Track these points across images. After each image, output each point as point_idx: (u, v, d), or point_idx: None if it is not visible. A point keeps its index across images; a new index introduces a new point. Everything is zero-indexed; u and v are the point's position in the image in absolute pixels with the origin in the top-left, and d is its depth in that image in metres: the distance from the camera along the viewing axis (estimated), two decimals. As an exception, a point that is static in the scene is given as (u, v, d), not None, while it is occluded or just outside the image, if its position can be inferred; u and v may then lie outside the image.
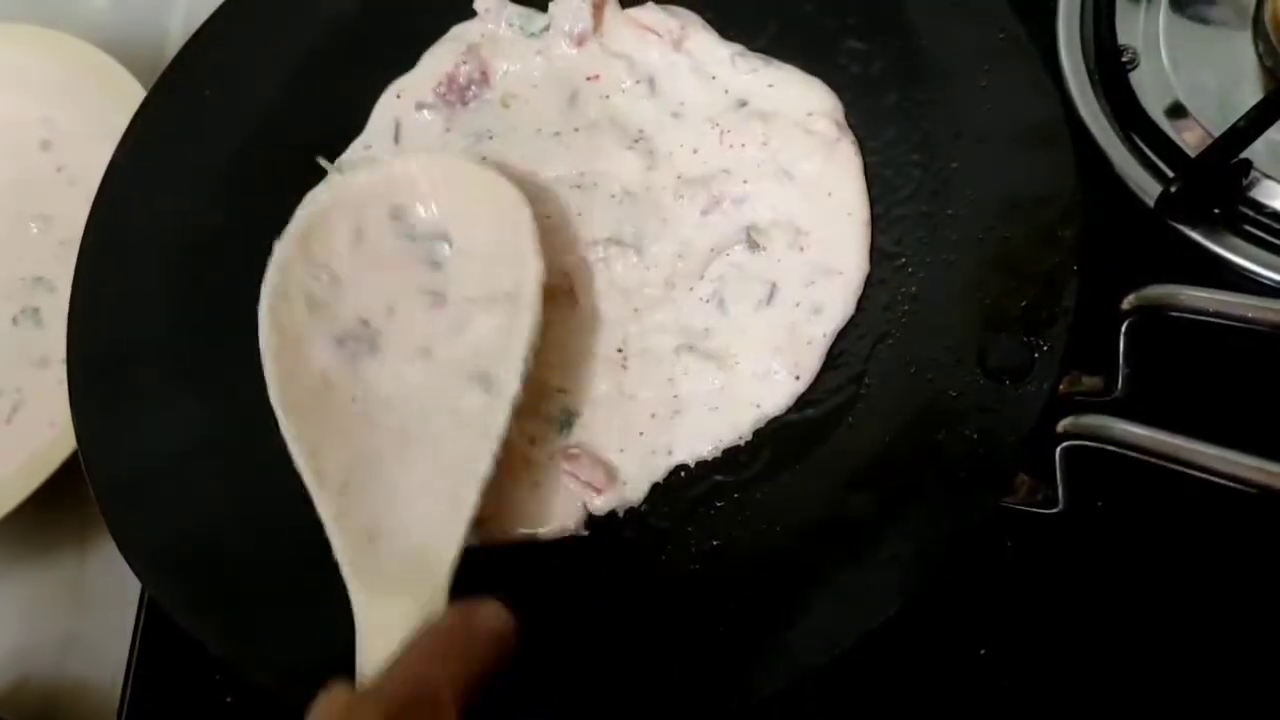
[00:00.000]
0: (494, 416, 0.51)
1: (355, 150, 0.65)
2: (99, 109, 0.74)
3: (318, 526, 0.55)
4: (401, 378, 0.54)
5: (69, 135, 0.79)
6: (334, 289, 0.56)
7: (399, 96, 0.66)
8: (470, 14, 0.67)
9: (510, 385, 0.51)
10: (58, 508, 0.65)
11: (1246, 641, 0.52)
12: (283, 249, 0.56)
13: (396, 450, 0.52)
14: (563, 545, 0.54)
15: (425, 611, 0.45)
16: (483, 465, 0.49)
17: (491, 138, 0.64)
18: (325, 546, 0.51)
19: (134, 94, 0.71)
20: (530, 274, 0.53)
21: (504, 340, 0.53)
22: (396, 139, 0.65)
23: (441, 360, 0.54)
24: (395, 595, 0.46)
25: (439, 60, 0.66)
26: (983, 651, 0.53)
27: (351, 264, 0.57)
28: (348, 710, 0.40)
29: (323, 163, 0.64)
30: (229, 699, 0.57)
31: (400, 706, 0.39)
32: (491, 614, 0.44)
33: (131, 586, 0.60)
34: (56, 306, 0.64)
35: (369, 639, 0.45)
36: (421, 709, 0.39)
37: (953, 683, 0.54)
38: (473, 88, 0.65)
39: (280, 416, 0.52)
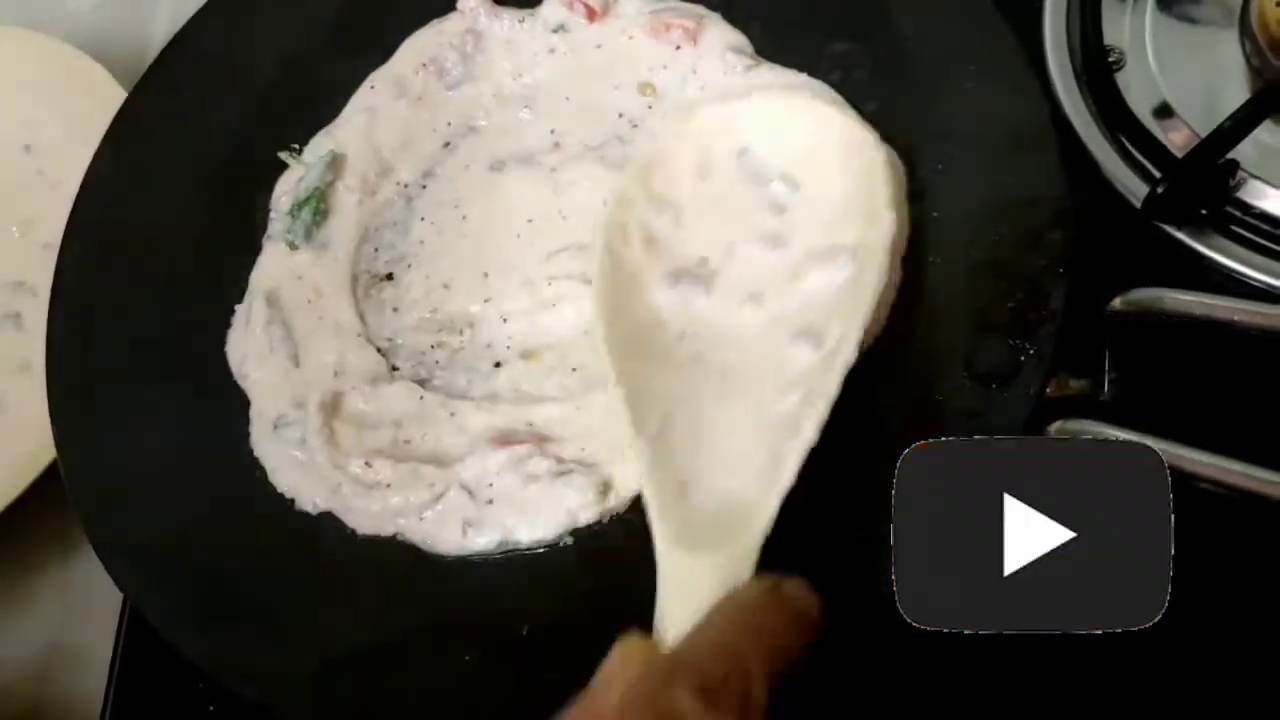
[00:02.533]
0: (825, 380, 0.47)
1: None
2: (81, 112, 0.73)
3: (302, 535, 0.55)
4: (732, 320, 0.52)
5: (50, 138, 0.78)
6: (675, 225, 0.55)
7: (373, 87, 0.66)
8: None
9: (844, 348, 0.47)
10: (40, 514, 0.65)
11: (1233, 645, 0.52)
12: (625, 183, 0.55)
13: (718, 396, 0.49)
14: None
15: (732, 576, 0.42)
16: (808, 430, 0.46)
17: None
18: (309, 555, 0.51)
19: (116, 97, 0.70)
20: (881, 230, 0.50)
21: (841, 298, 0.50)
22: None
23: (773, 308, 0.52)
24: (702, 553, 0.43)
25: (417, 49, 0.66)
26: (976, 651, 0.53)
27: (694, 200, 0.55)
28: (664, 674, 0.36)
29: (285, 156, 0.64)
30: (212, 708, 0.57)
31: (714, 680, 0.35)
32: (800, 592, 0.40)
33: (115, 595, 0.59)
34: (38, 311, 0.63)
35: (671, 598, 0.42)
36: (733, 685, 0.35)
37: (948, 683, 0.53)
38: (455, 71, 0.66)
39: (605, 354, 0.50)
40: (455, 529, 0.53)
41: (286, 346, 0.59)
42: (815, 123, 0.56)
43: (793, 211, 0.54)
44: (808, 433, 0.46)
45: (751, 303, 0.52)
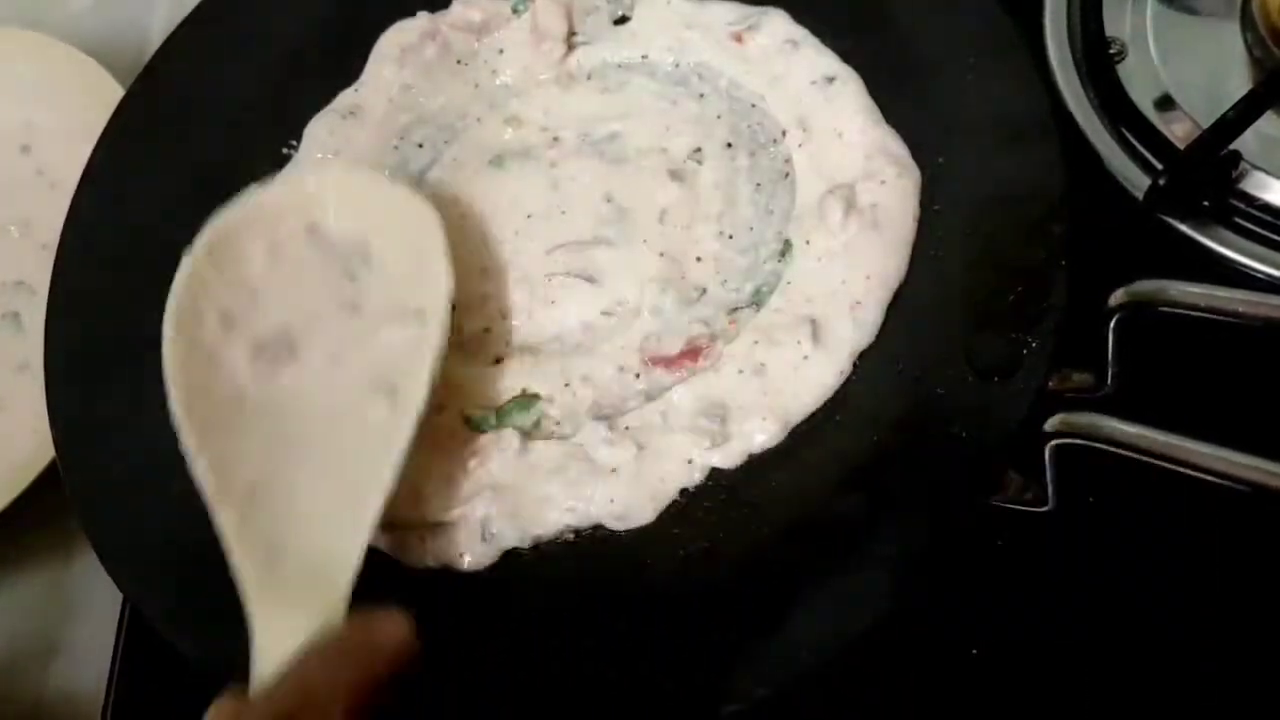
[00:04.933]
0: (398, 429, 0.50)
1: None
2: (79, 111, 0.73)
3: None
4: (313, 386, 0.54)
5: (49, 138, 0.78)
6: (250, 302, 0.55)
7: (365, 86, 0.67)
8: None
9: (414, 399, 0.51)
10: (41, 514, 0.64)
11: (1238, 639, 0.51)
12: (191, 265, 0.55)
13: (304, 460, 0.51)
14: (550, 546, 0.53)
15: (324, 622, 0.45)
16: (386, 476, 0.49)
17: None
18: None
19: (115, 96, 0.70)
20: (440, 291, 0.53)
21: (412, 354, 0.52)
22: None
23: (353, 370, 0.53)
24: (295, 607, 0.46)
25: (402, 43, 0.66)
26: (974, 651, 0.53)
27: (268, 276, 0.56)
28: (235, 717, 0.40)
29: None
30: (213, 707, 0.56)
31: (286, 714, 0.39)
32: (390, 623, 0.43)
33: (114, 594, 0.59)
34: (37, 311, 0.63)
35: (265, 653, 0.45)
36: (307, 717, 0.39)
37: (944, 683, 0.53)
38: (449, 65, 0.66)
39: (182, 431, 0.51)
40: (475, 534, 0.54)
41: None
42: (375, 195, 0.58)
43: (365, 278, 0.56)
44: (385, 479, 0.49)
45: (332, 364, 0.54)
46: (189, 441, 0.51)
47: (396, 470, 0.49)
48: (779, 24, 0.62)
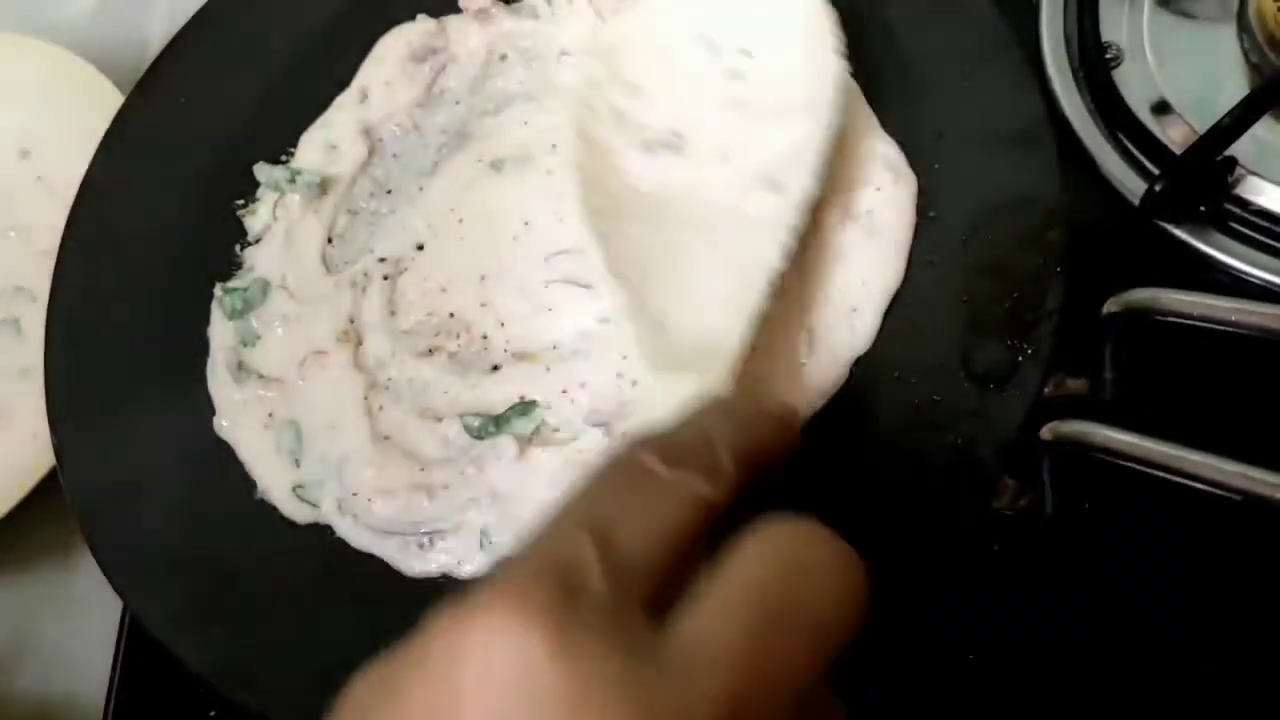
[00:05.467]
0: (784, 213, 0.52)
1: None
2: (79, 117, 0.73)
3: (300, 541, 0.55)
4: (702, 180, 0.56)
5: (48, 143, 0.78)
6: (642, 102, 0.59)
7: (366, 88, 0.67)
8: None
9: (801, 189, 0.52)
10: (42, 519, 0.64)
11: (1234, 646, 0.51)
12: (591, 66, 0.60)
13: (690, 245, 0.54)
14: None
15: (711, 386, 0.46)
16: (772, 255, 0.50)
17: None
18: (310, 562, 0.51)
19: (114, 101, 0.70)
20: (828, 80, 0.54)
21: (800, 147, 0.54)
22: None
23: (739, 165, 0.55)
24: (682, 373, 0.48)
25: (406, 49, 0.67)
26: (971, 656, 0.53)
27: (658, 77, 0.59)
28: (631, 443, 0.36)
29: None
30: (213, 713, 0.57)
31: (679, 449, 0.35)
32: (776, 403, 0.45)
33: (115, 601, 0.59)
34: (37, 317, 0.63)
35: (656, 404, 0.46)
36: (698, 457, 0.35)
37: (942, 688, 0.53)
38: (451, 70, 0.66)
39: (583, 223, 0.55)
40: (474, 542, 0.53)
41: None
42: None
43: (750, 78, 0.58)
44: (772, 257, 0.50)
45: (719, 161, 0.56)
46: (589, 233, 0.54)
47: (782, 249, 0.51)
48: None
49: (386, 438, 0.56)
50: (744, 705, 0.28)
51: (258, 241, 0.63)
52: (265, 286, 0.61)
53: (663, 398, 0.46)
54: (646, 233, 0.55)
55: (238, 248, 0.63)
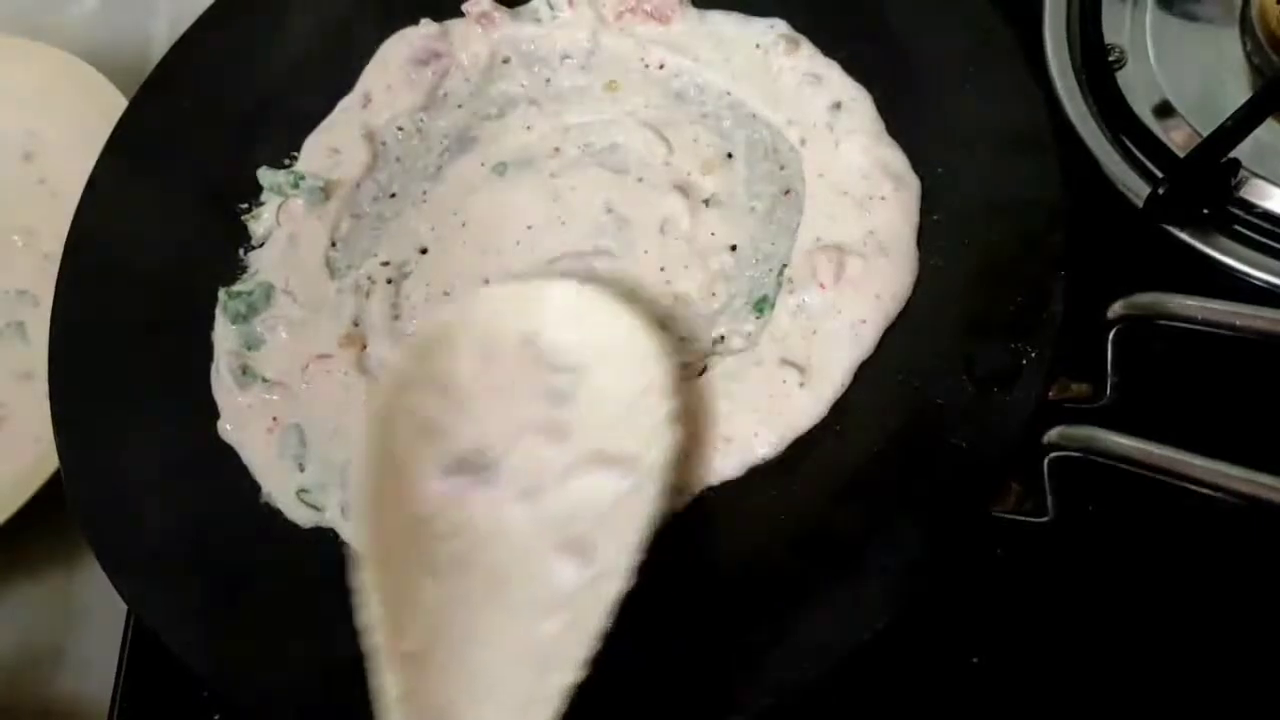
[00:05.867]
0: (592, 610, 0.44)
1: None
2: (82, 120, 0.73)
3: (305, 544, 0.55)
4: (501, 518, 0.49)
5: (51, 147, 0.79)
6: (454, 411, 0.52)
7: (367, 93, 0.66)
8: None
9: (614, 575, 0.45)
10: (45, 522, 0.65)
11: (1235, 650, 0.51)
12: (402, 363, 0.53)
13: (483, 606, 0.46)
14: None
15: None
16: (570, 670, 0.43)
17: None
18: (312, 565, 0.51)
19: (117, 105, 0.71)
20: (661, 449, 0.48)
21: (615, 513, 0.48)
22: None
23: (545, 509, 0.49)
24: None
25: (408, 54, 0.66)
26: (975, 660, 0.53)
27: (475, 384, 0.53)
28: None
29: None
30: (217, 717, 0.57)
31: None
32: None
33: (119, 603, 0.59)
34: (41, 320, 0.64)
35: None
36: None
37: (945, 692, 0.53)
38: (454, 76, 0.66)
39: (361, 564, 0.47)
40: None
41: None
42: (607, 320, 0.53)
43: (575, 405, 0.52)
44: (569, 673, 0.43)
45: (524, 500, 0.49)
46: (365, 576, 0.46)
47: (581, 664, 0.43)
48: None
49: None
50: None
51: (261, 245, 0.63)
52: (269, 290, 0.61)
53: None
54: (435, 585, 0.46)
55: (241, 252, 0.63)
